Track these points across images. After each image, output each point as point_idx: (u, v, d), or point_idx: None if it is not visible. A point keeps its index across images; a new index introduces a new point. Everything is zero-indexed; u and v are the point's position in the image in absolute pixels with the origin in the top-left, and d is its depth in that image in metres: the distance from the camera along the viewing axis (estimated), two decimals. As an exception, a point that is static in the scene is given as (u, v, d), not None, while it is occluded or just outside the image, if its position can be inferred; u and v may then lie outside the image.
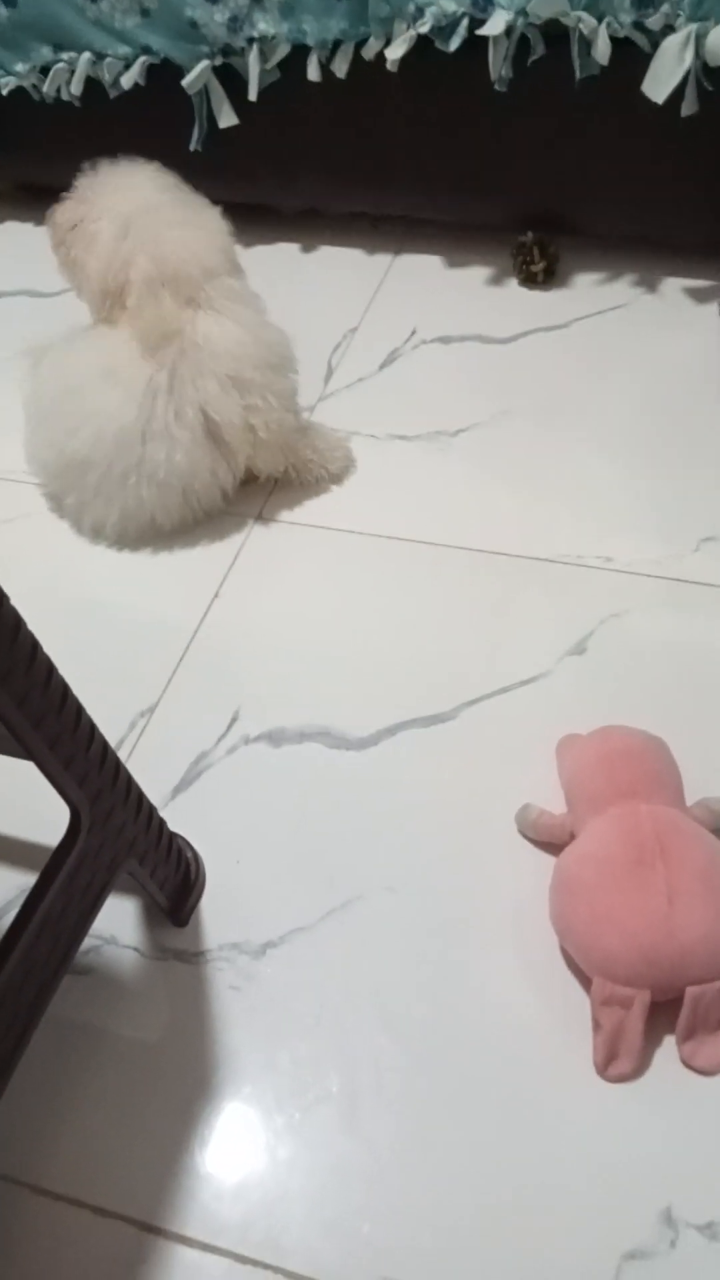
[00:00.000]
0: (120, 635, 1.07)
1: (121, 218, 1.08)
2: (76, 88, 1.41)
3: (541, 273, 1.41)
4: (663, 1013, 0.74)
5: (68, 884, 0.68)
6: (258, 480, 1.20)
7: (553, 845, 0.85)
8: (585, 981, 0.77)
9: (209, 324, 1.10)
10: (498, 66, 1.22)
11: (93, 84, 1.41)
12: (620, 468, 1.17)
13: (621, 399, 1.25)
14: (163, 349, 1.08)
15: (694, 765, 0.86)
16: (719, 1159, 0.70)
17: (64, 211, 1.13)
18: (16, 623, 0.58)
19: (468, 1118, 0.73)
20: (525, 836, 0.87)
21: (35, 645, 0.60)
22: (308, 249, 1.57)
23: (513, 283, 1.44)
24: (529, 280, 1.42)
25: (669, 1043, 0.75)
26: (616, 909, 0.74)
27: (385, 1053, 0.76)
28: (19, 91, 1.46)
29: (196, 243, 1.10)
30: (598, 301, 1.39)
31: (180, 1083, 0.77)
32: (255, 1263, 0.69)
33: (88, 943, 0.83)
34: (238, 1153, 0.73)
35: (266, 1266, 0.69)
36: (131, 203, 1.09)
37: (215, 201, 1.58)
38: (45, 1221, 0.71)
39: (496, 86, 1.24)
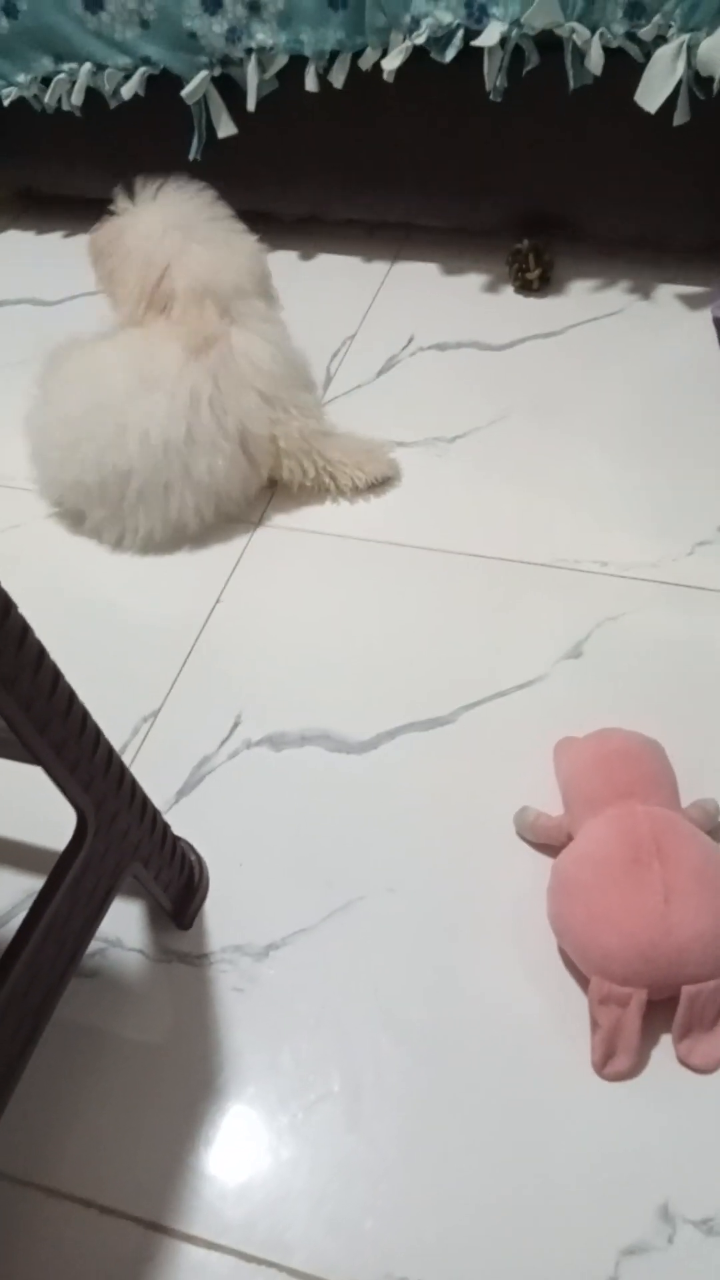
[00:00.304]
0: (123, 640, 1.08)
1: (160, 229, 1.14)
2: (77, 98, 1.43)
3: (537, 280, 1.42)
4: (659, 1011, 0.75)
5: (74, 887, 0.69)
6: (277, 485, 1.22)
7: (550, 846, 0.86)
8: (583, 981, 0.78)
9: (243, 339, 1.14)
10: (493, 76, 1.23)
11: (93, 94, 1.43)
12: (615, 472, 1.18)
13: (616, 404, 1.26)
14: (204, 352, 1.11)
15: (689, 767, 0.87)
16: (716, 1155, 0.71)
17: (105, 232, 1.19)
18: (23, 629, 0.59)
19: (468, 1115, 0.74)
20: (523, 838, 0.88)
21: (42, 651, 0.61)
22: (306, 256, 1.58)
23: (508, 290, 1.45)
24: (524, 287, 1.43)
25: (666, 1041, 0.76)
26: (614, 908, 0.76)
27: (387, 1052, 0.78)
28: (20, 102, 1.47)
29: (228, 261, 1.16)
30: (592, 308, 1.40)
31: (185, 1083, 0.78)
32: (260, 1260, 0.70)
33: (93, 946, 0.84)
34: (242, 1152, 0.74)
35: (271, 1264, 0.70)
36: (170, 219, 1.15)
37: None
38: (53, 1221, 0.73)
39: (491, 96, 1.25)
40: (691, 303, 1.38)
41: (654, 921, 0.74)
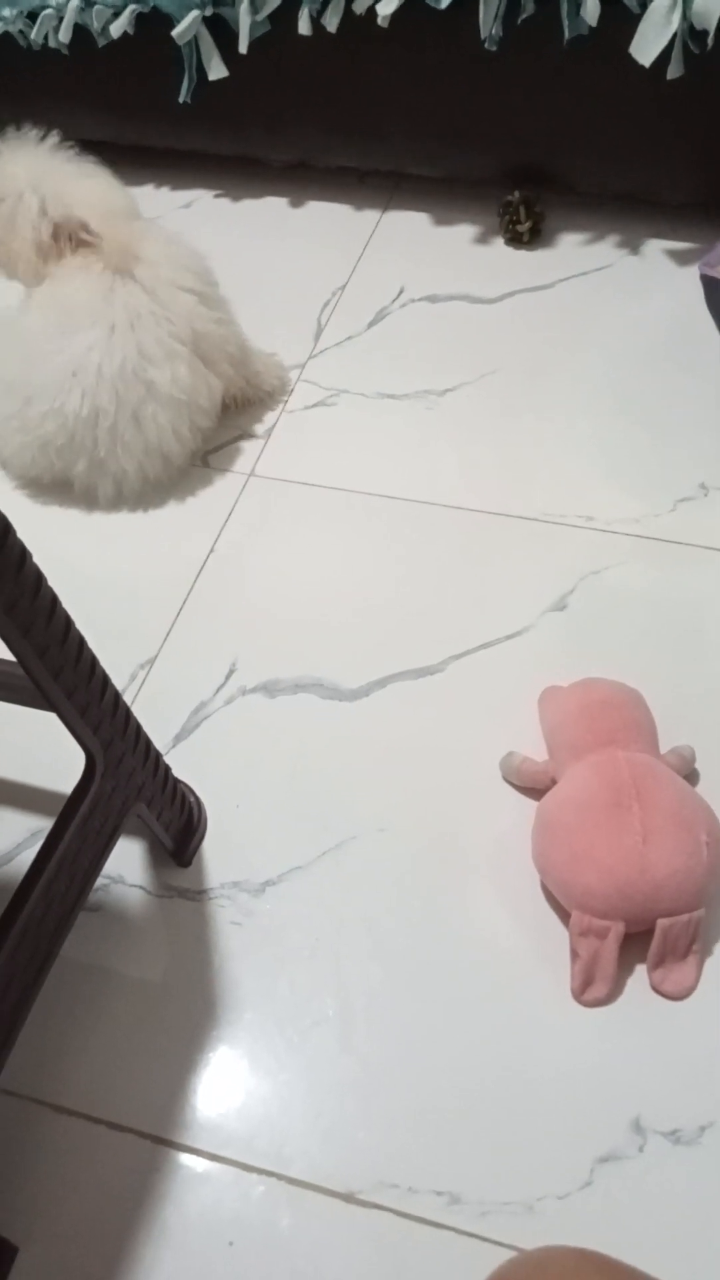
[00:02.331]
0: (119, 591, 1.11)
1: (25, 177, 1.11)
2: (65, 35, 1.40)
3: (527, 232, 1.43)
4: (635, 943, 0.80)
5: (83, 825, 0.72)
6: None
7: (534, 790, 0.90)
8: (563, 915, 0.83)
9: (155, 248, 1.13)
10: (488, 25, 1.23)
11: (81, 32, 1.40)
12: (601, 428, 1.21)
13: (603, 360, 1.28)
14: (130, 269, 1.11)
15: (668, 715, 0.91)
16: (684, 1073, 0.77)
17: None
18: (38, 578, 0.62)
19: (453, 1038, 0.79)
20: (508, 782, 0.92)
21: (55, 600, 0.64)
22: (296, 203, 1.57)
23: (499, 241, 1.46)
24: (515, 240, 1.44)
25: (640, 971, 0.81)
26: (594, 847, 0.80)
27: (377, 980, 0.82)
28: (5, 38, 1.44)
29: (110, 185, 1.16)
30: (582, 263, 1.41)
31: (187, 1010, 0.82)
32: (260, 1170, 0.75)
33: (97, 882, 0.88)
34: (242, 1072, 0.79)
35: (271, 1174, 0.75)
36: (29, 166, 1.12)
37: (203, 154, 1.59)
38: (65, 1136, 0.77)
39: (486, 45, 1.25)
40: (680, 258, 1.39)
41: (632, 860, 0.78)
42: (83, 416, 1.10)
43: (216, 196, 1.60)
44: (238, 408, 1.26)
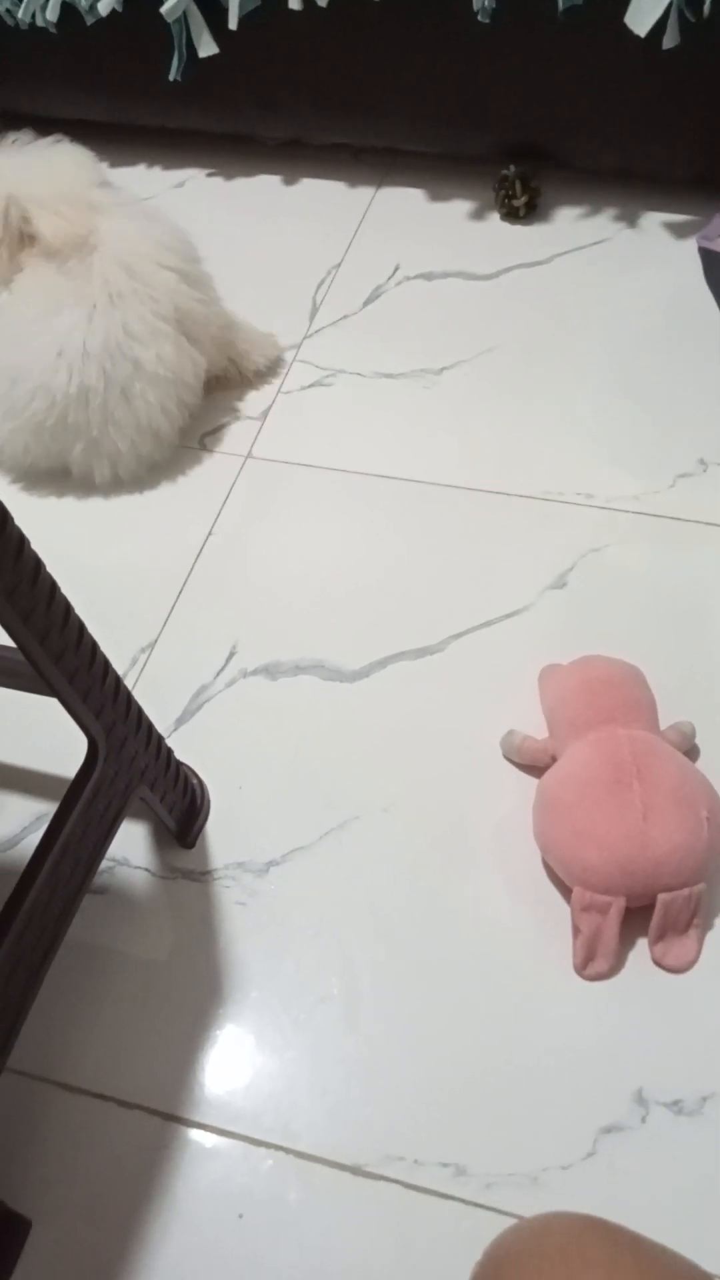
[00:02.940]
0: (118, 576, 1.11)
1: None
2: (52, 13, 1.39)
3: (523, 207, 1.42)
4: (635, 918, 0.81)
5: (87, 809, 0.73)
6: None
7: (535, 768, 0.91)
8: (565, 891, 0.83)
9: (129, 225, 1.12)
10: (481, -4, 1.21)
11: (69, 9, 1.39)
12: (600, 405, 1.20)
13: (602, 336, 1.27)
14: (79, 254, 1.09)
15: (668, 692, 0.92)
16: (685, 1046, 0.78)
17: None
18: (36, 564, 0.62)
19: (457, 1014, 0.80)
20: (509, 760, 0.93)
21: (54, 586, 0.64)
22: (289, 181, 1.56)
23: (494, 217, 1.45)
24: (511, 215, 1.43)
25: (641, 945, 0.82)
26: (596, 824, 0.80)
27: (381, 957, 0.83)
28: (-8, 16, 1.43)
29: (60, 165, 1.12)
30: (579, 237, 1.40)
31: (193, 989, 0.83)
32: (268, 1145, 0.76)
33: (103, 864, 0.89)
34: (249, 1049, 0.80)
35: (279, 1148, 0.76)
36: None
37: (195, 132, 1.58)
38: (74, 1114, 0.78)
39: (480, 17, 1.23)
40: (677, 231, 1.38)
41: (633, 836, 0.79)
42: (71, 395, 1.09)
43: (209, 175, 1.59)
44: (223, 388, 1.25)
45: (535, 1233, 0.46)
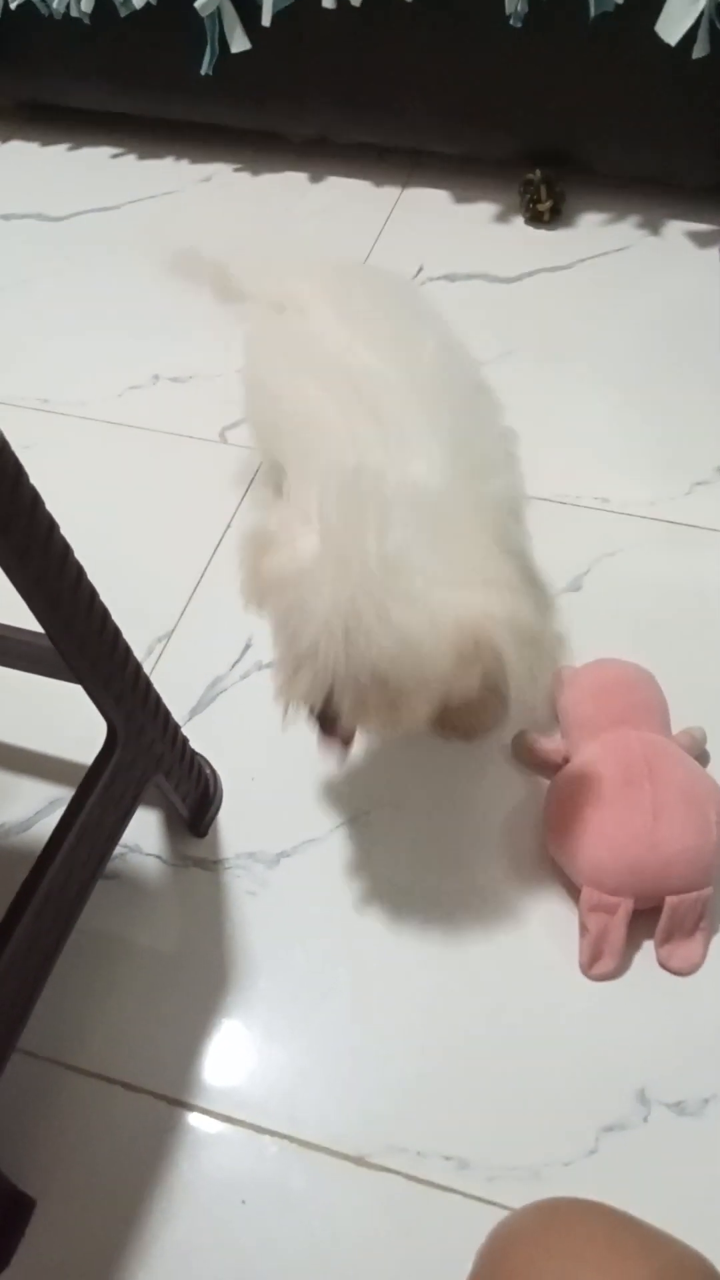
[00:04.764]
0: (135, 566, 1.11)
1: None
2: (86, 4, 1.40)
3: (548, 211, 1.42)
4: (643, 920, 0.81)
5: (104, 793, 0.74)
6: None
7: (545, 769, 0.91)
8: (573, 891, 0.84)
9: None
10: (513, 1, 1.22)
11: (103, 1, 1.39)
12: (618, 410, 1.21)
13: (622, 341, 1.28)
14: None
15: (680, 697, 0.92)
16: (689, 1047, 0.78)
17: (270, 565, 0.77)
18: (65, 549, 0.63)
19: (464, 1008, 0.81)
20: (520, 760, 0.93)
21: (80, 571, 0.65)
22: (315, 179, 1.57)
23: (518, 220, 1.45)
24: (535, 219, 1.43)
25: (648, 947, 0.82)
26: (606, 825, 0.81)
27: (390, 951, 0.84)
28: (27, 6, 1.44)
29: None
30: (602, 242, 1.41)
31: (202, 977, 0.84)
32: (273, 1133, 0.77)
33: (115, 850, 0.89)
34: (256, 1038, 0.81)
35: (284, 1136, 0.77)
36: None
37: (223, 127, 1.58)
38: (82, 1096, 0.79)
39: (511, 21, 1.24)
40: (701, 240, 1.39)
41: (642, 837, 0.80)
42: None
43: (235, 170, 1.60)
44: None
45: (543, 1214, 0.47)
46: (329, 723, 0.73)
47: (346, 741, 0.77)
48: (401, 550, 0.69)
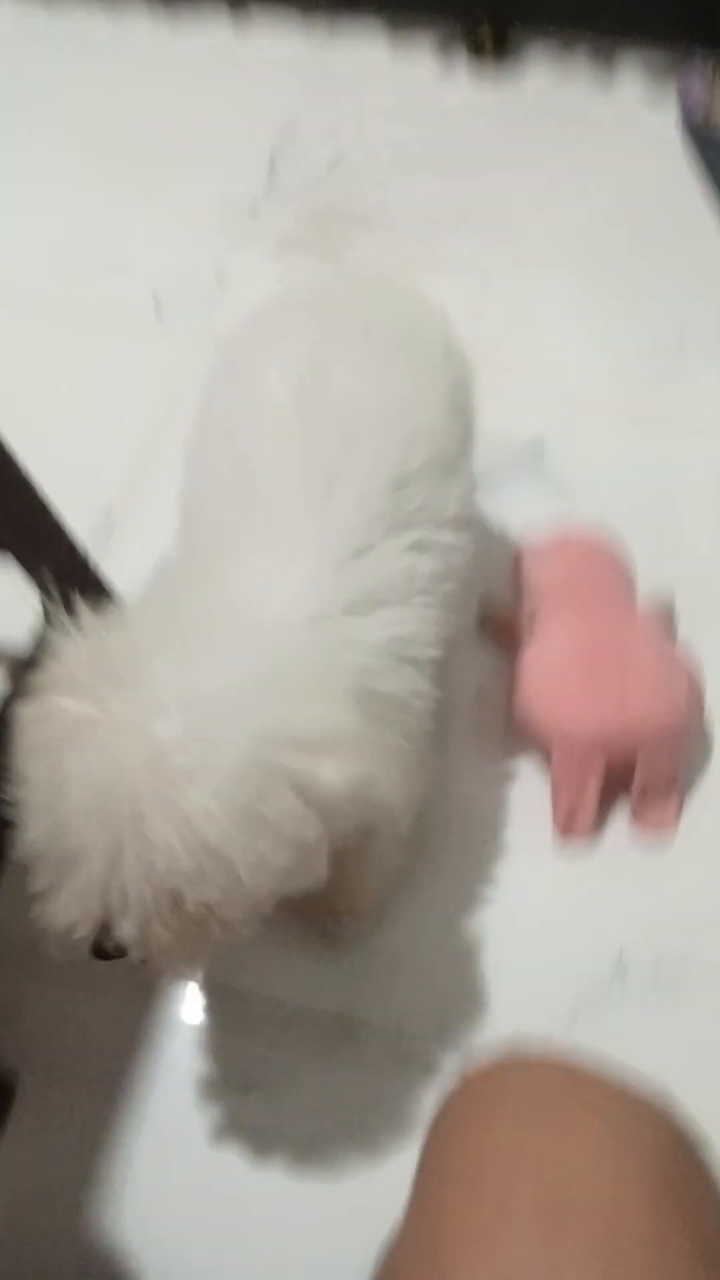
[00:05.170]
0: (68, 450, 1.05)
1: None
2: None
3: (489, 40, 1.31)
4: (614, 794, 0.81)
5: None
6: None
7: (511, 640, 0.87)
8: (545, 767, 0.82)
9: None
10: None
11: None
12: (579, 284, 1.15)
13: (578, 222, 1.20)
14: None
15: (645, 562, 0.90)
16: (662, 911, 0.79)
17: None
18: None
19: (446, 885, 0.80)
20: (483, 630, 0.90)
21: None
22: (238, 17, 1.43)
23: (462, 82, 1.33)
24: (478, 50, 1.32)
25: (620, 821, 0.82)
26: (574, 697, 0.79)
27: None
28: None
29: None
30: (554, 100, 1.30)
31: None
32: (261, 1010, 0.76)
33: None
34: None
35: (271, 1011, 0.76)
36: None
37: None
38: (69, 969, 0.76)
39: None
40: (657, 106, 1.29)
41: (613, 703, 0.78)
42: None
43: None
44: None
45: (491, 1077, 0.43)
46: (110, 953, 0.53)
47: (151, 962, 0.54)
48: (210, 709, 0.50)
